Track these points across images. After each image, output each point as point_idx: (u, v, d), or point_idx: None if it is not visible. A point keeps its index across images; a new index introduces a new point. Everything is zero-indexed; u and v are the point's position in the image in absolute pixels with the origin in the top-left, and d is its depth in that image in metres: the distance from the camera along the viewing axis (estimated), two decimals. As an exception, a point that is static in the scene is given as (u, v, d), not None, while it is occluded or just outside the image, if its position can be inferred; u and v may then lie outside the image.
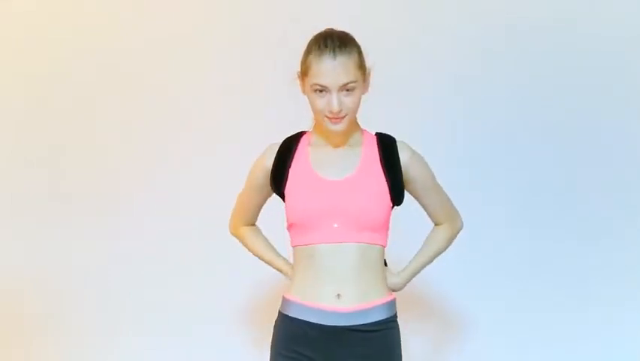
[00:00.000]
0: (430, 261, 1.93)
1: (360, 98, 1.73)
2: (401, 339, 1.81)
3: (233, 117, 2.78)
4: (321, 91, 1.69)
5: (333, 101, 1.67)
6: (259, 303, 2.70)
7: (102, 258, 2.85)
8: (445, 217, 1.93)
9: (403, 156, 1.79)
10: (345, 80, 1.67)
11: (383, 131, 1.85)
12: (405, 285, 1.89)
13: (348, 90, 1.68)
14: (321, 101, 1.69)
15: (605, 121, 2.62)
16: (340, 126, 1.72)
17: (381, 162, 1.77)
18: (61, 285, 2.87)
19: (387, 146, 1.79)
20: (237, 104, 2.78)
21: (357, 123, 1.81)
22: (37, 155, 2.91)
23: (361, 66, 1.72)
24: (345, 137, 1.79)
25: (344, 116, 1.70)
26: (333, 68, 1.66)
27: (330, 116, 1.70)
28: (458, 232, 1.98)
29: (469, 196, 2.67)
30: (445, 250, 1.96)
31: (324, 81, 1.67)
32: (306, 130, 1.88)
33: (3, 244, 2.91)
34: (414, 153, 1.82)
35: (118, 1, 2.87)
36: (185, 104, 2.82)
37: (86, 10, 2.88)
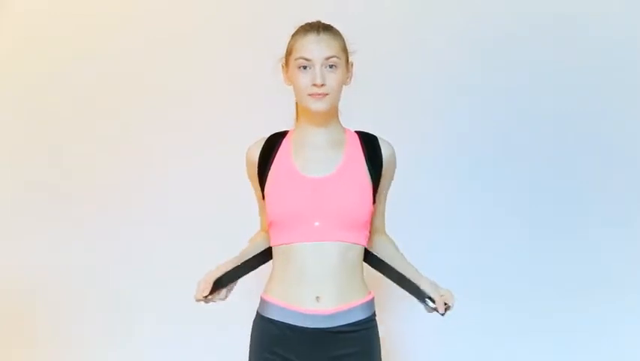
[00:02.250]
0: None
1: (341, 82, 1.74)
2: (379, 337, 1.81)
3: (234, 117, 2.78)
4: (305, 67, 1.70)
5: (317, 73, 1.69)
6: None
7: (102, 258, 2.85)
8: (383, 226, 1.91)
9: (385, 153, 1.79)
10: (328, 53, 1.69)
11: (364, 130, 1.85)
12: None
13: (331, 66, 1.70)
14: (304, 77, 1.71)
15: (606, 121, 2.62)
16: (322, 105, 1.71)
17: (365, 159, 1.76)
18: (62, 285, 2.87)
19: (369, 143, 1.79)
20: (238, 104, 2.78)
21: (339, 121, 1.82)
22: (37, 155, 2.91)
23: (345, 50, 1.75)
24: (327, 134, 1.78)
25: (327, 94, 1.70)
26: (317, 42, 1.70)
27: (312, 92, 1.70)
28: None
29: (470, 196, 2.68)
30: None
31: (308, 54, 1.70)
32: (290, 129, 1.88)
33: (3, 244, 2.92)
34: (394, 151, 1.82)
35: (118, 1, 2.87)
36: (185, 104, 2.82)
37: (86, 10, 2.88)
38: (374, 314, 1.80)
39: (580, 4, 2.62)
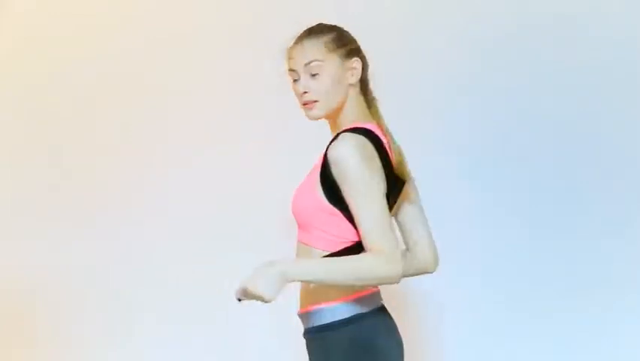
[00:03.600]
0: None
1: (331, 83, 1.64)
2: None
3: (234, 117, 2.78)
4: (295, 80, 1.68)
5: (300, 82, 1.66)
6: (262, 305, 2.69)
7: (102, 258, 2.85)
8: (366, 241, 1.54)
9: (329, 154, 1.58)
10: (306, 60, 1.64)
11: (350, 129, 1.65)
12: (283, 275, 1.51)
13: (313, 73, 1.64)
14: (295, 88, 1.69)
15: (606, 121, 2.62)
16: (313, 113, 1.66)
17: (323, 157, 1.62)
18: (62, 285, 2.87)
19: (332, 140, 1.62)
20: (238, 104, 2.78)
21: (350, 121, 1.67)
22: (37, 155, 2.92)
23: (333, 49, 1.66)
24: (334, 135, 1.72)
25: (316, 101, 1.65)
26: (297, 50, 1.66)
27: (303, 101, 1.67)
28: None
29: (470, 196, 2.67)
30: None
31: (292, 65, 1.67)
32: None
33: (3, 244, 2.92)
34: (337, 154, 1.56)
35: (118, 1, 2.87)
36: (185, 104, 2.82)
37: (86, 10, 2.88)
38: (338, 322, 1.59)
39: (580, 4, 2.61)
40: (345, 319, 1.59)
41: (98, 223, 2.86)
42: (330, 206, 1.59)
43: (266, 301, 1.49)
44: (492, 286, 2.65)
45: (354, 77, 1.68)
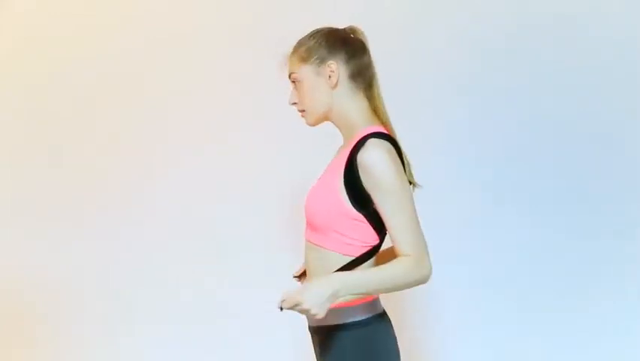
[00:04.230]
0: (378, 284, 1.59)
1: (309, 91, 1.69)
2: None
3: (234, 117, 2.78)
4: None
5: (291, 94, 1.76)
6: (263, 305, 2.70)
7: (102, 258, 2.86)
8: (399, 246, 1.59)
9: (358, 158, 1.59)
10: (288, 73, 1.75)
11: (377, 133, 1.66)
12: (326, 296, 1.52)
13: (296, 85, 1.73)
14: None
15: (606, 121, 2.62)
16: (306, 121, 1.75)
17: (347, 163, 1.61)
18: (62, 285, 2.87)
19: (356, 147, 1.61)
20: (238, 104, 2.78)
21: (356, 124, 1.68)
22: (37, 155, 2.92)
23: (306, 58, 1.69)
24: (344, 141, 1.74)
25: (303, 110, 1.73)
26: (287, 64, 1.76)
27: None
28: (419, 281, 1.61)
29: (470, 196, 2.68)
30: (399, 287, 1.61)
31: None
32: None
33: (3, 244, 2.92)
34: (369, 158, 1.58)
35: (118, 1, 2.87)
36: (185, 104, 2.82)
37: (86, 10, 2.88)
38: (345, 325, 1.63)
39: (580, 4, 2.61)
40: (363, 320, 1.64)
41: (98, 223, 2.86)
42: (355, 211, 1.61)
43: (313, 315, 1.51)
44: (492, 286, 2.65)
45: (333, 79, 1.69)
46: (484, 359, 2.65)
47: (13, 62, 2.92)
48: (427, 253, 1.60)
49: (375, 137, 1.61)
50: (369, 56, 1.74)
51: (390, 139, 1.65)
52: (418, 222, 1.61)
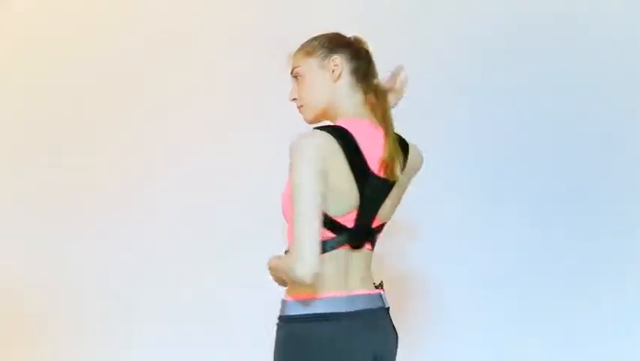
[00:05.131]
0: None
1: (311, 85, 1.71)
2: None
3: (234, 117, 2.78)
4: None
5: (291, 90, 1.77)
6: (263, 305, 2.70)
7: (102, 258, 2.86)
8: (291, 244, 1.57)
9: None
10: (290, 68, 1.75)
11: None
12: None
13: (297, 79, 1.74)
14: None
15: (606, 121, 2.62)
16: (303, 116, 1.76)
17: None
18: (62, 285, 2.87)
19: None
20: (238, 104, 2.78)
21: (340, 119, 1.70)
22: (37, 155, 2.92)
23: (310, 53, 1.72)
24: None
25: (301, 106, 1.74)
26: (290, 62, 1.77)
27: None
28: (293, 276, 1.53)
29: (471, 196, 2.68)
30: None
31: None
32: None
33: (3, 244, 2.92)
34: (292, 143, 1.57)
35: (118, 1, 2.87)
36: (185, 104, 2.82)
37: (86, 10, 2.88)
38: (284, 318, 1.65)
39: (580, 4, 2.62)
40: (297, 316, 1.62)
41: (98, 223, 2.86)
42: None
43: None
44: (492, 286, 2.65)
45: (336, 73, 1.70)
46: (484, 359, 2.64)
47: (13, 62, 2.92)
48: (306, 256, 1.50)
49: (320, 128, 1.59)
50: (374, 66, 1.74)
51: (336, 132, 1.59)
52: (307, 222, 1.52)
